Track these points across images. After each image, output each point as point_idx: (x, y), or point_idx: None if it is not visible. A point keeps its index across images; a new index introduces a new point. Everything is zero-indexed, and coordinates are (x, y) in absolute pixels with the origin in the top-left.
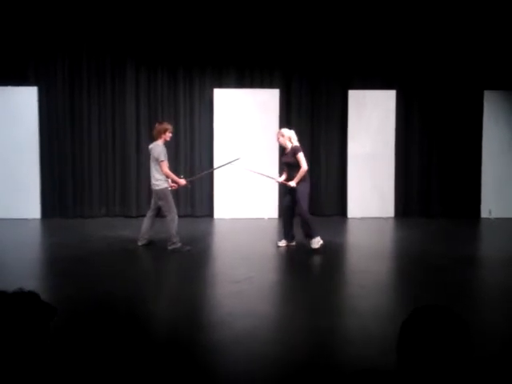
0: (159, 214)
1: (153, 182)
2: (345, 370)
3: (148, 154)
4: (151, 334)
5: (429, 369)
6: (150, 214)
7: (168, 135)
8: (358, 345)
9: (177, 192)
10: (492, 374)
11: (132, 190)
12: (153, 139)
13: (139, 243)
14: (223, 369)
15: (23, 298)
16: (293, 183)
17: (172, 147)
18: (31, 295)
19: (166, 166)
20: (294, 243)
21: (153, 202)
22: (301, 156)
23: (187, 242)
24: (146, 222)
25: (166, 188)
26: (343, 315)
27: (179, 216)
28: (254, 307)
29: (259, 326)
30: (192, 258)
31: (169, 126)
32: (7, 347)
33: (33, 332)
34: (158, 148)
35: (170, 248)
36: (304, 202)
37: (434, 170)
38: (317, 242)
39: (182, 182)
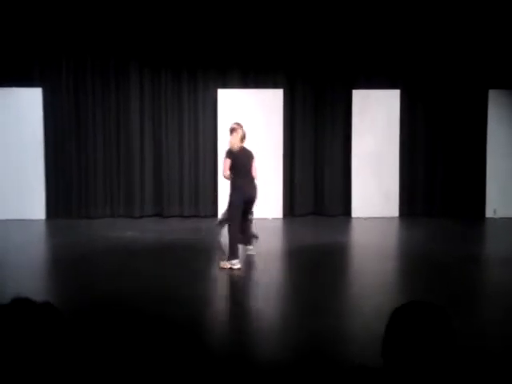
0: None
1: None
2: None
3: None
4: (153, 332)
5: (413, 365)
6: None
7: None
8: (360, 344)
9: (180, 192)
10: (493, 373)
11: (136, 190)
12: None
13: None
14: (224, 369)
15: (44, 309)
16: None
17: (176, 148)
18: (50, 308)
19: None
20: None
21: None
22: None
23: (191, 242)
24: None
25: None
26: (346, 315)
27: (184, 216)
28: (257, 308)
29: (262, 327)
30: (196, 258)
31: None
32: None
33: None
34: None
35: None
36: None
37: (439, 169)
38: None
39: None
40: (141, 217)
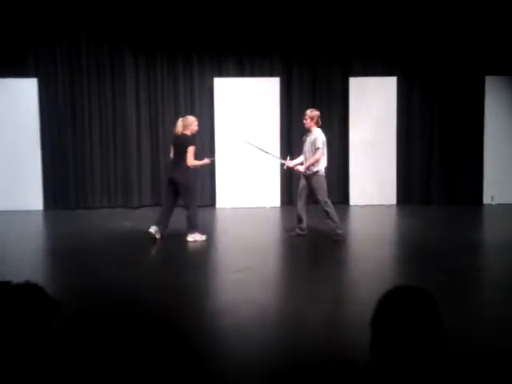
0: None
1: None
2: (345, 357)
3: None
4: (152, 321)
5: (401, 355)
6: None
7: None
8: (357, 332)
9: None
10: (491, 362)
11: (133, 180)
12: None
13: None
14: (224, 356)
15: (27, 290)
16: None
17: (172, 137)
18: (35, 288)
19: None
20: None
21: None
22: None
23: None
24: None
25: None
26: (344, 302)
27: (182, 206)
28: (254, 296)
29: (260, 315)
30: (194, 247)
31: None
32: (6, 340)
33: (34, 326)
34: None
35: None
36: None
37: (436, 156)
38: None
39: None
40: (139, 207)
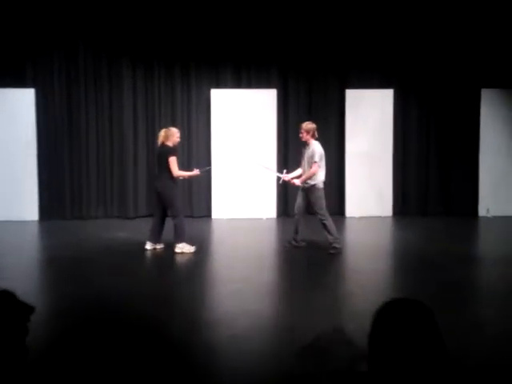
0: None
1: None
2: (342, 369)
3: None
4: (148, 333)
5: (399, 364)
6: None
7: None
8: (355, 344)
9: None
10: (489, 375)
11: (129, 191)
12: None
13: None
14: (220, 368)
15: None
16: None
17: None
18: (6, 294)
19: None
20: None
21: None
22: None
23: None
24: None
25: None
26: (341, 314)
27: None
28: (251, 307)
29: (257, 326)
30: (190, 258)
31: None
32: None
33: (8, 330)
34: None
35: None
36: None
37: (432, 168)
38: (181, 248)
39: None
40: (135, 217)
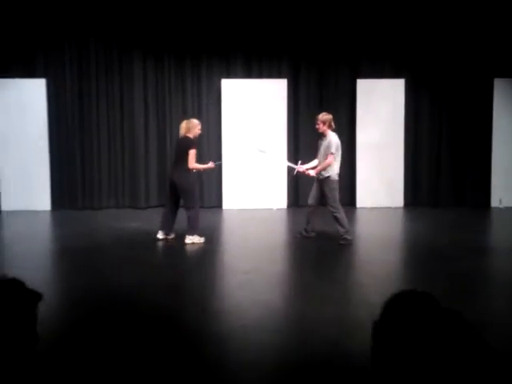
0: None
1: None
2: (353, 359)
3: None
4: (159, 322)
5: (403, 357)
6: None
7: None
8: (366, 334)
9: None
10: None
11: (141, 181)
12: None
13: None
14: (230, 358)
15: (5, 285)
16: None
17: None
18: (13, 282)
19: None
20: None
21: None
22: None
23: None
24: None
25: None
26: (352, 305)
27: (182, 207)
28: (261, 297)
29: (267, 316)
30: (201, 249)
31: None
32: None
33: (18, 318)
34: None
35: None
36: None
37: (444, 159)
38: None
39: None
40: (146, 207)
